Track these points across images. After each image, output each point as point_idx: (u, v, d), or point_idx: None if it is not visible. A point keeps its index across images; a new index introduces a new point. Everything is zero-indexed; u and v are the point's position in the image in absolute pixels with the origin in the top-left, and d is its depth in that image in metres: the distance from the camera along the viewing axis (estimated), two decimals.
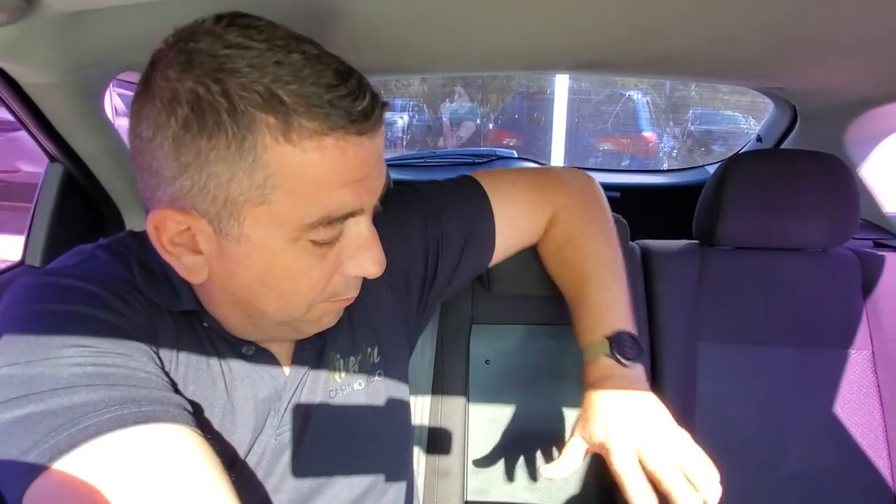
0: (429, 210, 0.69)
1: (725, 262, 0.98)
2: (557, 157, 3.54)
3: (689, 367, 0.94)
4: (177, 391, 0.49)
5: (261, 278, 0.47)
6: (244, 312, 0.50)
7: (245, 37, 0.41)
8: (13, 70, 0.66)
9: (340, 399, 0.61)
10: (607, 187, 1.83)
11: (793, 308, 0.97)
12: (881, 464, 0.92)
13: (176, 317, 0.52)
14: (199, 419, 0.50)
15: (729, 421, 0.93)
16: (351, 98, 0.42)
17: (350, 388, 0.62)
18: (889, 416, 0.93)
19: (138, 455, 0.41)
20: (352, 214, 0.47)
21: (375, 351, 0.65)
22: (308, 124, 0.41)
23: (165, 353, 0.50)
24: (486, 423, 0.98)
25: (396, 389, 0.67)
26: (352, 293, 0.52)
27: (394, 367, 0.67)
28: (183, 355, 0.51)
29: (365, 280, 0.53)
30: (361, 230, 0.49)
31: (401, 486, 0.67)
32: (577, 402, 1.01)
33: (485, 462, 0.97)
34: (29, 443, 0.39)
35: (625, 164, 5.82)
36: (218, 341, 0.54)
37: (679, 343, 0.94)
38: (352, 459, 0.61)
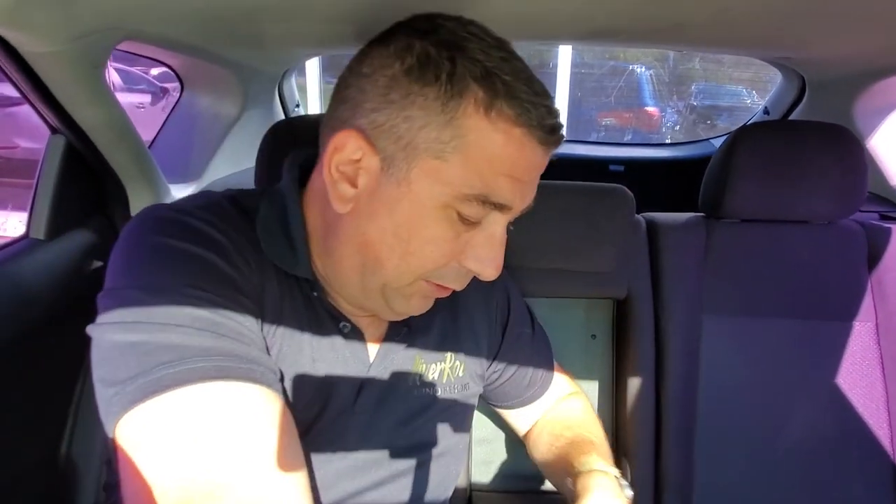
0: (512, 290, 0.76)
1: (731, 235, 0.98)
2: None
3: (694, 339, 0.94)
4: (268, 351, 0.52)
5: (398, 228, 0.49)
6: (359, 261, 0.52)
7: (484, 32, 0.49)
8: (13, 38, 0.65)
9: (415, 398, 0.62)
10: (612, 161, 1.82)
11: (798, 280, 0.97)
12: (882, 434, 0.93)
13: (285, 281, 0.54)
14: (283, 385, 0.53)
15: (732, 392, 0.94)
16: (547, 111, 0.48)
17: (429, 390, 0.64)
18: (891, 388, 0.94)
19: (233, 408, 0.43)
20: (501, 207, 0.50)
21: (461, 366, 0.67)
22: (508, 110, 0.47)
23: (268, 317, 0.52)
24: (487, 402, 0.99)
25: (467, 405, 0.69)
26: (455, 285, 0.54)
27: (471, 386, 0.69)
28: (283, 321, 0.53)
29: (471, 293, 0.61)
30: (496, 230, 0.52)
31: (449, 485, 0.69)
32: (580, 374, 1.03)
33: (489, 443, 0.98)
34: (135, 370, 0.42)
35: (627, 138, 5.78)
36: (320, 313, 0.56)
37: (683, 315, 0.94)
38: (415, 453, 0.63)
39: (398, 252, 0.50)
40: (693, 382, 0.93)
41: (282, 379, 0.53)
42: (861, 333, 0.95)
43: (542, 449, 0.76)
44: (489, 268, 0.52)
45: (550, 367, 0.80)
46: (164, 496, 0.39)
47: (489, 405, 0.83)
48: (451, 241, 0.50)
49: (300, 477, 0.44)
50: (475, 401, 0.71)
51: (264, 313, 0.52)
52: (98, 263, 0.92)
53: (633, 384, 0.93)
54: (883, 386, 0.94)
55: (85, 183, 0.95)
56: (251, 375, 0.45)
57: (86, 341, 0.45)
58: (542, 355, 0.79)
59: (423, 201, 0.48)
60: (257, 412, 0.44)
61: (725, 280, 0.96)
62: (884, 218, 1.16)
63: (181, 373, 0.42)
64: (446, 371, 0.65)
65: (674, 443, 0.92)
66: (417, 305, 0.55)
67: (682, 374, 0.92)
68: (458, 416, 0.67)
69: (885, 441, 0.92)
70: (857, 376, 0.94)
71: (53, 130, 0.87)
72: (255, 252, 0.52)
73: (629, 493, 0.62)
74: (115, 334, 0.44)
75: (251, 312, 0.49)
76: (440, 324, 0.65)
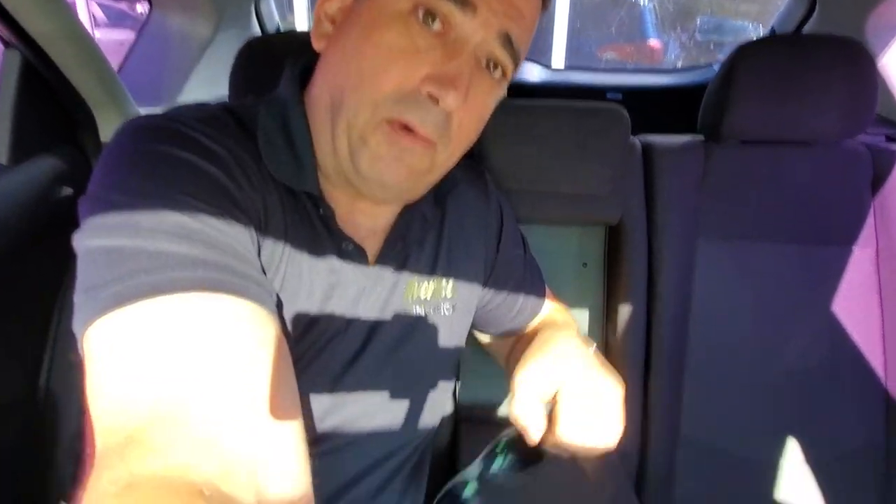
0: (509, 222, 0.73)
1: (730, 158, 0.93)
2: (558, 61, 3.42)
3: (688, 264, 0.91)
4: (265, 273, 0.48)
5: (356, 43, 0.49)
6: (328, 101, 0.50)
7: None
8: None
9: (410, 316, 0.61)
10: (609, 89, 1.75)
11: (798, 204, 0.93)
12: (875, 362, 0.92)
13: (288, 201, 0.51)
14: (281, 306, 0.50)
15: (725, 318, 0.92)
16: None
17: (420, 309, 0.62)
18: (888, 315, 0.92)
19: (219, 323, 0.39)
20: (463, 4, 0.47)
21: (450, 286, 0.64)
22: None
23: (270, 240, 0.49)
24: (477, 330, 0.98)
25: (458, 328, 0.68)
26: (414, 119, 0.49)
27: (462, 307, 0.67)
28: (287, 245, 0.51)
29: (467, 215, 0.63)
30: (460, 47, 0.49)
31: (435, 414, 0.68)
32: (571, 303, 1.00)
33: (475, 374, 0.97)
34: (111, 275, 0.38)
35: None
36: (322, 233, 0.53)
37: (678, 240, 0.91)
38: (405, 378, 0.61)
39: (354, 70, 0.48)
40: (685, 308, 0.90)
41: (280, 305, 0.50)
42: (860, 259, 0.93)
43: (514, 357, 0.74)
44: (447, 89, 0.47)
45: (542, 294, 0.78)
46: (130, 414, 0.34)
47: (479, 333, 0.81)
48: (408, 51, 0.47)
49: (292, 412, 0.40)
50: (466, 325, 0.70)
51: (266, 237, 0.49)
52: (69, 191, 0.88)
53: (624, 311, 0.91)
54: (879, 313, 0.92)
55: (50, 107, 0.90)
56: (243, 291, 0.41)
57: (58, 269, 0.41)
58: (534, 280, 0.77)
59: (381, 6, 0.48)
60: (247, 330, 0.40)
61: (723, 204, 0.93)
62: (890, 140, 1.11)
63: (162, 281, 0.38)
64: (439, 292, 0.63)
65: (664, 368, 0.90)
66: (386, 164, 0.50)
67: (675, 300, 0.90)
68: (448, 340, 0.66)
69: (878, 368, 0.91)
70: (853, 302, 0.92)
71: (6, 44, 0.81)
72: (257, 169, 0.49)
73: (593, 344, 0.61)
74: (92, 240, 0.40)
75: (249, 233, 0.46)
76: (434, 243, 0.63)
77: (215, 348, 0.37)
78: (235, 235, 0.44)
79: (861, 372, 0.92)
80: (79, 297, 0.39)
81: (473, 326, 0.77)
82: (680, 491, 0.90)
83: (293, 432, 0.38)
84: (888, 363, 0.91)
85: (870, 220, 0.93)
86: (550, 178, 0.89)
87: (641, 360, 0.91)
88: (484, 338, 0.81)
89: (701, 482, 0.91)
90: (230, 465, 0.32)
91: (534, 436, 0.53)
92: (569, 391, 0.54)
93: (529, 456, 0.57)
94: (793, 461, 0.91)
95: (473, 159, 0.75)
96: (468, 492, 0.57)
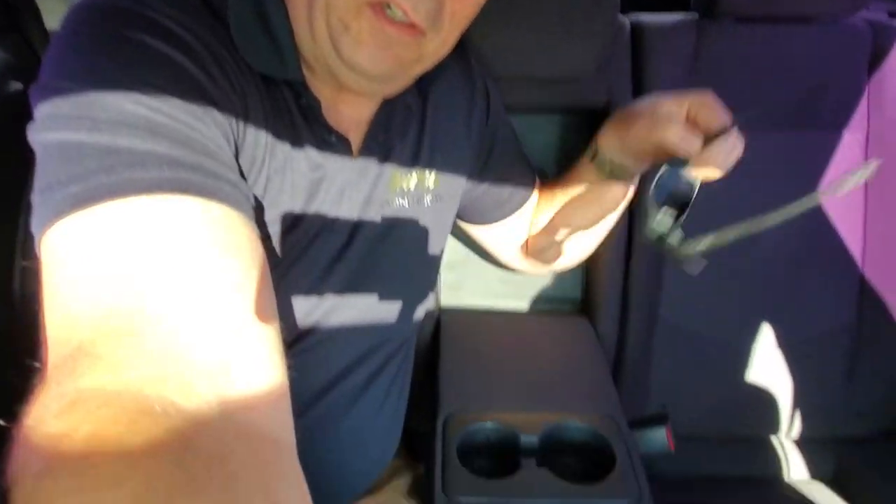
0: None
1: (725, 38, 0.88)
2: None
3: None
4: (243, 176, 0.46)
5: None
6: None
7: None
8: None
9: (393, 208, 0.59)
10: None
11: (791, 88, 0.89)
12: (854, 247, 0.93)
13: (267, 93, 0.47)
14: (258, 217, 0.47)
15: (710, 203, 0.91)
16: None
17: (404, 200, 0.60)
18: (871, 200, 0.91)
19: (183, 227, 0.35)
20: None
21: (433, 177, 0.62)
22: None
23: (251, 133, 0.46)
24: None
25: (443, 219, 0.67)
26: (406, 4, 0.44)
27: (446, 198, 0.65)
28: (270, 143, 0.47)
29: (453, 99, 0.62)
30: None
31: (420, 308, 0.68)
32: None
33: (457, 267, 0.97)
34: (66, 175, 0.35)
35: None
36: (303, 126, 0.50)
37: None
38: (390, 272, 0.61)
39: None
40: None
41: (262, 205, 0.48)
42: (850, 143, 0.90)
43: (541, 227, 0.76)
44: None
45: (532, 179, 0.76)
46: (82, 324, 0.31)
47: (467, 226, 0.80)
48: None
49: (268, 320, 0.36)
50: (451, 216, 0.69)
51: (247, 134, 0.45)
52: (17, 85, 0.82)
53: None
54: (863, 198, 0.92)
55: None
56: (213, 192, 0.37)
57: (21, 167, 0.38)
58: (522, 164, 0.75)
59: None
60: (215, 235, 0.36)
61: (715, 88, 0.88)
62: (892, 16, 1.05)
63: (122, 182, 0.34)
64: (422, 183, 0.62)
65: (645, 254, 0.91)
66: (370, 53, 0.46)
67: None
68: (432, 231, 0.65)
69: (856, 253, 0.92)
70: None
71: None
72: (231, 59, 0.45)
73: None
74: (48, 133, 0.36)
75: (225, 131, 0.42)
76: (417, 133, 0.60)
77: (177, 254, 0.34)
78: (207, 133, 0.40)
79: (839, 256, 0.93)
80: (35, 198, 0.36)
81: (462, 218, 0.76)
82: (656, 373, 0.94)
83: (265, 337, 0.35)
84: (867, 248, 0.92)
85: (863, 103, 0.89)
86: (532, 61, 0.84)
87: (624, 246, 0.91)
88: (474, 229, 0.80)
89: (677, 365, 0.94)
90: (189, 378, 0.30)
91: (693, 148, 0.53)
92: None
93: None
94: (766, 343, 0.94)
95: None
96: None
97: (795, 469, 0.96)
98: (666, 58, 0.88)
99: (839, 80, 0.89)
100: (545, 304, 0.97)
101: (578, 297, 0.98)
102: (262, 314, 0.36)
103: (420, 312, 0.69)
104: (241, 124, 0.45)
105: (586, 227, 0.73)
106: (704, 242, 0.49)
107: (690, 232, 0.90)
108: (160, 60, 0.40)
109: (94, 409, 0.26)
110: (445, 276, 0.96)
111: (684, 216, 0.53)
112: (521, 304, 0.97)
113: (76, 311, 0.32)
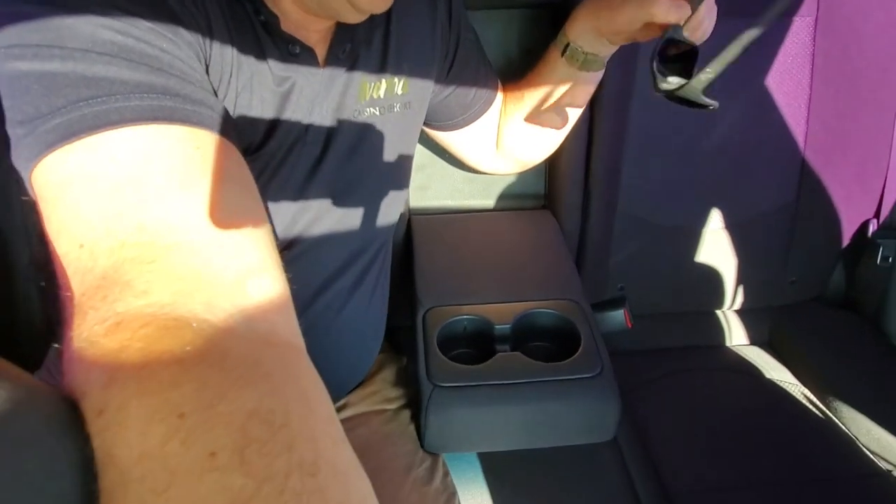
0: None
1: None
2: None
3: (631, 47, 0.89)
4: (215, 93, 0.46)
5: None
6: None
7: None
8: None
9: (364, 117, 0.60)
10: None
11: None
12: (798, 130, 0.98)
13: (228, 10, 0.47)
14: (237, 128, 0.48)
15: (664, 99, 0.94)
16: None
17: (374, 109, 0.61)
18: (816, 84, 0.95)
19: (179, 156, 0.36)
20: None
21: (402, 83, 0.63)
22: None
23: (216, 50, 0.45)
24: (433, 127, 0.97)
25: (412, 125, 0.68)
26: None
27: (415, 103, 0.66)
28: (235, 61, 0.47)
29: (408, 8, 0.61)
30: None
31: (395, 212, 0.71)
32: None
33: (424, 169, 0.98)
34: (48, 106, 0.35)
35: None
36: (266, 39, 0.50)
37: None
38: (364, 179, 0.63)
39: None
40: (627, 88, 0.91)
41: (234, 120, 0.49)
42: (799, 28, 0.93)
43: (515, 118, 0.78)
44: None
45: (494, 80, 0.77)
46: (98, 255, 0.33)
47: (434, 132, 0.82)
48: None
49: (264, 234, 0.39)
50: (420, 120, 0.71)
51: (212, 51, 0.45)
52: None
53: None
54: (809, 82, 0.96)
55: None
56: (198, 119, 0.38)
57: None
58: (485, 66, 0.76)
59: None
60: (207, 159, 0.38)
61: None
62: None
63: (107, 112, 0.35)
64: (391, 89, 0.62)
65: (604, 149, 0.94)
66: None
67: (617, 81, 0.90)
68: (403, 136, 0.67)
69: (799, 137, 0.97)
70: (785, 74, 0.95)
71: None
72: None
73: None
74: (14, 62, 0.35)
75: (195, 51, 0.42)
76: (382, 40, 0.60)
77: (175, 180, 0.35)
78: (179, 54, 0.40)
79: (784, 140, 0.98)
80: (14, 130, 0.36)
81: (431, 123, 0.78)
82: (615, 259, 1.01)
83: (268, 246, 0.38)
84: (809, 131, 0.97)
85: None
86: None
87: (584, 142, 0.94)
88: (442, 135, 0.82)
89: (633, 250, 1.01)
90: (211, 296, 0.32)
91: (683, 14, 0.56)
92: None
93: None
94: (714, 226, 1.01)
95: None
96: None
97: (737, 336, 1.07)
98: None
99: None
100: (510, 200, 1.01)
101: (542, 192, 1.02)
102: (259, 230, 0.38)
103: (395, 214, 0.71)
104: (207, 41, 0.45)
105: (558, 124, 0.75)
106: (706, 78, 0.52)
107: (648, 116, 0.93)
108: None
109: (139, 327, 0.29)
110: (413, 177, 0.98)
111: (695, 67, 0.56)
112: (488, 202, 1.01)
113: (91, 242, 0.33)
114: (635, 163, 0.96)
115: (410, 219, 0.96)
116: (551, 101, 0.73)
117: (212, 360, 0.28)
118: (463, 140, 0.81)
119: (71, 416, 0.26)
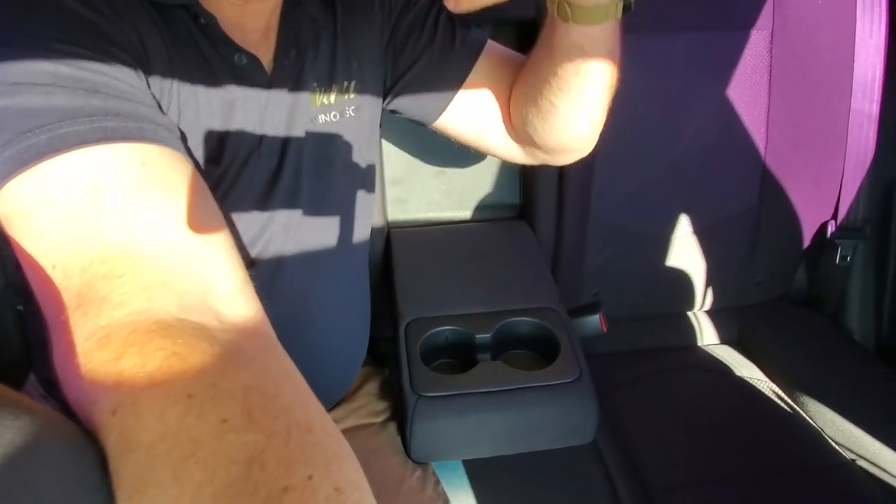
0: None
1: None
2: None
3: None
4: (163, 111, 0.46)
5: None
6: None
7: None
8: None
9: (318, 125, 0.60)
10: None
11: None
12: (758, 138, 1.02)
13: (163, 22, 0.47)
14: (186, 144, 0.49)
15: (633, 106, 0.97)
16: None
17: (327, 116, 0.61)
18: (774, 93, 1.00)
19: (129, 174, 0.38)
20: None
21: (353, 85, 0.62)
22: None
23: (156, 71, 0.46)
24: (398, 136, 0.99)
25: (369, 129, 0.67)
26: None
27: (368, 104, 0.65)
28: (174, 72, 0.48)
29: (353, 7, 0.59)
30: None
31: (364, 222, 0.70)
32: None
33: (402, 182, 1.00)
34: (0, 138, 0.36)
35: None
36: (208, 50, 0.50)
37: None
38: (327, 189, 0.63)
39: None
40: None
41: (185, 139, 0.49)
42: (756, 41, 0.97)
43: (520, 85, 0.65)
44: None
45: (468, 51, 0.67)
46: (71, 274, 0.34)
47: (439, 126, 0.72)
48: None
49: (221, 236, 0.40)
50: (376, 124, 0.69)
51: (151, 68, 0.46)
52: None
53: None
54: (767, 92, 1.00)
55: None
56: (141, 134, 0.40)
57: None
58: (446, 23, 0.66)
59: None
60: (157, 173, 0.39)
61: None
62: None
63: (53, 139, 0.36)
64: (342, 94, 0.62)
65: (576, 164, 0.97)
66: None
67: None
68: (361, 140, 0.66)
69: (759, 143, 1.02)
70: (745, 85, 0.99)
71: None
72: None
73: None
74: None
75: (131, 67, 0.43)
76: (329, 45, 0.60)
77: (132, 196, 0.37)
78: (117, 74, 0.41)
79: (745, 147, 1.02)
80: None
81: (417, 118, 0.71)
82: (589, 265, 1.04)
83: (227, 246, 0.40)
84: (769, 138, 1.02)
85: (768, 4, 0.96)
86: None
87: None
88: (441, 126, 0.71)
89: (607, 256, 1.04)
90: (186, 299, 0.34)
91: None
92: None
93: None
94: (683, 230, 1.05)
95: None
96: None
97: (708, 336, 1.11)
98: None
99: None
100: (487, 211, 1.04)
101: (517, 202, 1.04)
102: (216, 232, 0.40)
103: (366, 224, 0.71)
104: (142, 56, 0.45)
105: (567, 100, 0.61)
106: None
107: (617, 126, 0.94)
108: (52, 8, 0.40)
109: (126, 335, 0.31)
110: (391, 191, 1.00)
111: None
112: (465, 213, 1.03)
113: (62, 263, 0.35)
114: (606, 172, 0.99)
115: (389, 232, 0.97)
116: (556, 74, 0.59)
117: (202, 349, 0.31)
118: (460, 122, 0.70)
119: (88, 445, 0.28)
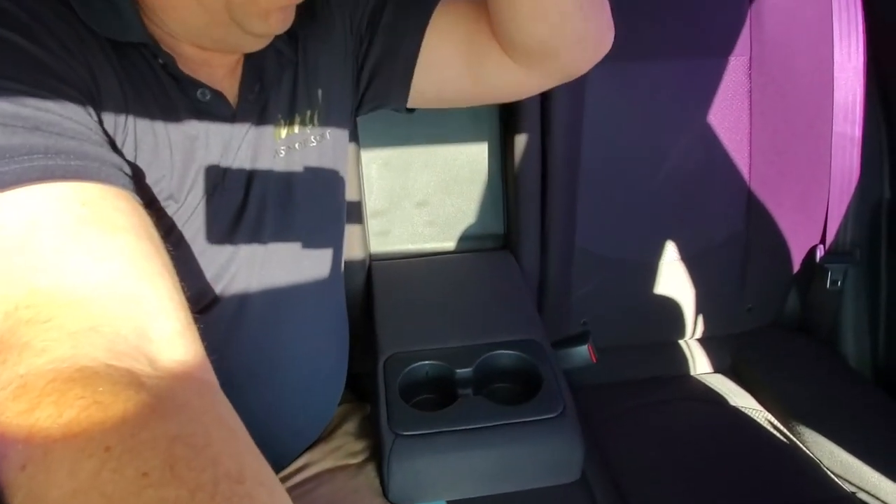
0: None
1: None
2: None
3: (578, 88, 0.93)
4: (116, 150, 0.45)
5: None
6: None
7: None
8: None
9: (283, 158, 0.59)
10: None
11: (682, 20, 0.95)
12: (741, 161, 1.02)
13: (118, 59, 0.46)
14: (140, 182, 0.47)
15: (615, 135, 0.97)
16: None
17: (291, 148, 0.60)
18: (755, 119, 1.00)
19: (66, 215, 0.36)
20: None
21: (316, 115, 0.61)
22: None
23: (108, 107, 0.44)
24: (380, 167, 0.98)
25: (334, 157, 0.65)
26: None
27: (333, 133, 0.64)
28: (129, 108, 0.46)
29: (317, 39, 0.58)
30: None
31: (336, 254, 0.68)
32: (467, 137, 1.01)
33: (383, 214, 0.99)
34: None
35: None
36: (169, 85, 0.49)
37: None
38: (294, 222, 0.61)
39: None
40: (576, 127, 0.94)
41: (143, 175, 0.48)
42: (735, 68, 0.98)
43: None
44: None
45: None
46: None
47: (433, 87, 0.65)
48: None
49: (162, 276, 0.38)
50: (343, 149, 0.68)
51: (103, 104, 0.45)
52: None
53: (520, 140, 0.94)
54: (748, 118, 1.00)
55: None
56: (83, 172, 0.38)
57: None
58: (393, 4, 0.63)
59: None
60: (96, 212, 0.37)
61: (616, 19, 0.93)
62: None
63: None
64: (304, 124, 0.61)
65: (560, 189, 0.96)
66: (277, 20, 0.48)
67: (567, 127, 0.93)
68: (327, 170, 0.65)
69: (743, 169, 1.02)
70: (726, 110, 0.99)
71: None
72: (69, 27, 0.43)
73: None
74: None
75: (78, 103, 0.41)
76: (291, 79, 0.60)
77: (67, 237, 0.35)
78: (63, 111, 0.40)
79: (729, 173, 1.02)
80: None
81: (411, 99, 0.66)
82: (576, 295, 1.02)
83: (168, 288, 0.38)
84: (752, 164, 1.01)
85: (746, 30, 0.96)
86: None
87: (539, 181, 0.96)
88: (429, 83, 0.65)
89: (594, 286, 1.03)
90: (117, 345, 0.32)
91: None
92: None
93: None
94: (670, 258, 1.04)
95: None
96: None
97: (700, 364, 1.09)
98: None
99: (723, 10, 0.95)
100: (470, 242, 1.02)
101: (501, 232, 1.03)
102: (157, 275, 0.37)
103: (339, 255, 0.70)
104: (93, 93, 0.44)
105: None
106: None
107: (599, 158, 0.94)
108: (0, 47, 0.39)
109: (45, 385, 0.29)
110: (373, 224, 0.99)
111: None
112: (448, 244, 1.02)
113: None
114: (589, 200, 0.98)
115: (371, 264, 0.96)
116: None
117: (125, 397, 0.29)
118: (448, 69, 0.64)
119: None
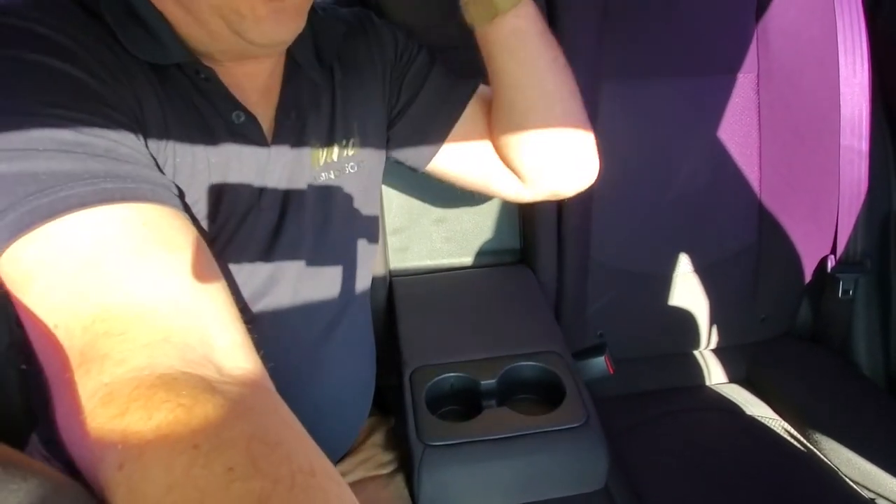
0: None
1: None
2: None
3: (591, 106, 0.95)
4: (160, 168, 0.48)
5: None
6: None
7: None
8: None
9: (320, 182, 0.62)
10: None
11: (691, 37, 0.98)
12: (752, 176, 1.04)
13: (159, 82, 0.49)
14: (184, 199, 0.50)
15: (628, 150, 0.99)
16: None
17: (328, 174, 0.62)
18: (764, 133, 1.02)
19: (131, 234, 0.39)
20: None
21: (352, 143, 0.64)
22: None
23: (152, 131, 0.47)
24: (398, 186, 1.00)
25: (370, 184, 0.69)
26: None
27: (368, 161, 0.67)
28: (170, 132, 0.49)
29: (352, 70, 0.62)
30: None
31: (367, 273, 0.71)
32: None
33: (403, 231, 1.01)
34: (3, 204, 0.37)
35: None
36: (206, 108, 0.52)
37: (581, 82, 0.94)
38: (330, 242, 0.64)
39: None
40: None
41: (182, 195, 0.51)
42: (743, 84, 1.00)
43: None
44: None
45: (462, 91, 0.71)
46: (73, 334, 0.35)
47: (439, 170, 0.75)
48: None
49: (219, 291, 0.42)
50: (377, 177, 0.72)
51: (147, 128, 0.47)
52: None
53: None
54: (757, 132, 1.03)
55: None
56: (140, 194, 0.41)
57: None
58: (444, 77, 0.71)
59: None
60: (156, 232, 0.41)
61: (623, 42, 0.96)
62: None
63: (55, 202, 0.38)
64: (342, 152, 0.64)
65: (575, 204, 0.98)
66: (272, 26, 0.49)
67: None
68: (362, 196, 0.67)
69: (754, 182, 1.04)
70: (735, 126, 1.02)
71: None
72: (113, 55, 0.46)
73: None
74: None
75: (128, 129, 0.44)
76: (329, 106, 0.63)
77: (130, 255, 0.38)
78: (115, 137, 0.43)
79: (740, 186, 1.04)
80: None
81: (419, 166, 0.74)
82: (592, 308, 1.04)
83: (224, 301, 0.41)
84: (762, 177, 1.04)
85: (753, 47, 0.99)
86: (444, 32, 0.86)
87: (554, 203, 0.98)
88: (440, 167, 0.75)
89: (609, 298, 1.04)
90: (187, 354, 0.35)
91: None
92: None
93: None
94: (684, 270, 1.05)
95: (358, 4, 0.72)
96: None
97: (716, 375, 1.10)
98: (579, 14, 0.92)
99: (730, 27, 0.98)
100: (488, 257, 1.05)
101: (518, 247, 1.05)
102: (214, 288, 0.41)
103: (367, 274, 0.72)
104: (139, 116, 0.47)
105: (519, 91, 0.66)
106: None
107: (613, 173, 0.96)
108: (48, 74, 0.41)
109: (129, 391, 0.32)
110: (392, 240, 1.01)
111: None
112: (466, 259, 1.04)
113: (64, 323, 0.36)
114: (603, 215, 1.00)
115: (392, 281, 0.98)
116: (499, 72, 0.66)
117: (204, 399, 0.32)
118: (462, 158, 0.73)
119: None
